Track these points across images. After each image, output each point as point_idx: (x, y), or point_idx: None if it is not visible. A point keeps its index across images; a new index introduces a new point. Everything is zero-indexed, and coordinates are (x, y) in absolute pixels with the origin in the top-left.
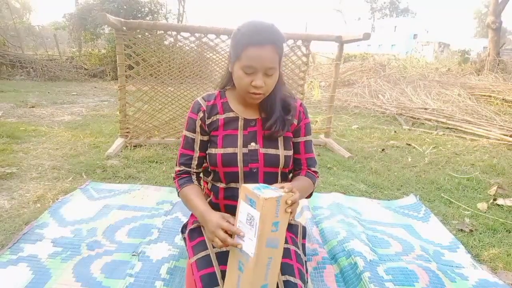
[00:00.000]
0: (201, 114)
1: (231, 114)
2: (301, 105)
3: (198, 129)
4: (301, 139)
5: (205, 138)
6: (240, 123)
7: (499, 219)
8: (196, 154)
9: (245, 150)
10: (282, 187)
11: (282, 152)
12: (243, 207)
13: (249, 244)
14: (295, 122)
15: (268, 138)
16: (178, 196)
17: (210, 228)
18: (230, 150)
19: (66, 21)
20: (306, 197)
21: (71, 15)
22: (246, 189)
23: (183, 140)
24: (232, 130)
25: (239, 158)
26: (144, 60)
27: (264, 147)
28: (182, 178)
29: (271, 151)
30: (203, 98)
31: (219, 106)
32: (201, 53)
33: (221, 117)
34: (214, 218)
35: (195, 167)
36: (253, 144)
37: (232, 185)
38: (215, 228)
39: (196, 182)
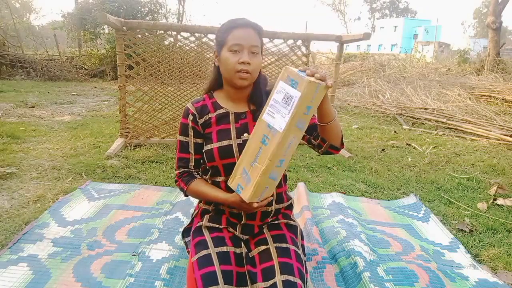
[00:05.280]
0: (191, 117)
1: (221, 111)
2: None
3: (190, 132)
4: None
5: (200, 140)
6: (231, 117)
7: (499, 219)
8: (192, 156)
9: (239, 141)
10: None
11: None
12: (282, 86)
13: (280, 121)
14: None
15: None
16: (186, 195)
17: (239, 207)
18: (225, 142)
19: (65, 20)
20: (339, 146)
21: (70, 14)
22: (290, 70)
23: (178, 144)
24: (224, 124)
25: (235, 149)
26: (144, 60)
27: None
28: (185, 177)
29: None
30: (191, 102)
31: (209, 105)
32: (201, 53)
33: (212, 115)
34: (235, 199)
35: (192, 168)
36: (246, 134)
37: None
38: (240, 205)
39: (198, 176)
